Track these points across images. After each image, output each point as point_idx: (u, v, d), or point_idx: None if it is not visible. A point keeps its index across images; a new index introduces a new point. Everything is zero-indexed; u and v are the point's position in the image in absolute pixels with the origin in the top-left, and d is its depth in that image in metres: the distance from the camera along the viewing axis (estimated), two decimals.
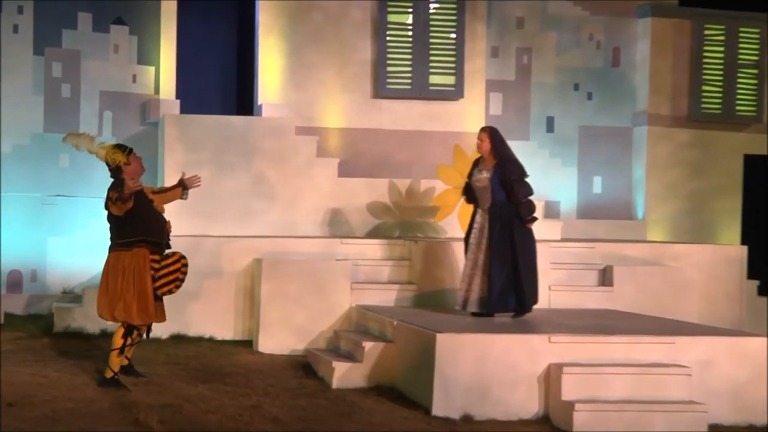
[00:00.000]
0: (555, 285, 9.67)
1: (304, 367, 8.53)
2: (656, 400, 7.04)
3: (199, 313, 9.48)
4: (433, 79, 11.60)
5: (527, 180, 8.39)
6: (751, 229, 12.72)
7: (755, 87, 12.69)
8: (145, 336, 7.74)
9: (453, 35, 11.64)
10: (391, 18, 11.53)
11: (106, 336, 9.08)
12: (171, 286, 7.54)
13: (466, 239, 8.49)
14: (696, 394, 7.19)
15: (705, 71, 12.58)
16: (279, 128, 10.71)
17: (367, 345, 8.00)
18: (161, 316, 7.65)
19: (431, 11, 11.60)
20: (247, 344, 9.35)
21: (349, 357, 8.26)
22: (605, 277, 9.87)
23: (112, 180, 7.49)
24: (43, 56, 10.86)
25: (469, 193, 10.03)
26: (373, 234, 10.65)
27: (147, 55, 11.15)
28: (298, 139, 10.80)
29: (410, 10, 11.56)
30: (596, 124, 12.55)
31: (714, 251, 10.39)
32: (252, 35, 11.50)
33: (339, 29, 11.45)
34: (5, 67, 10.73)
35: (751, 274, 10.81)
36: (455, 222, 10.20)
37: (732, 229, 12.69)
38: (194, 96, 11.31)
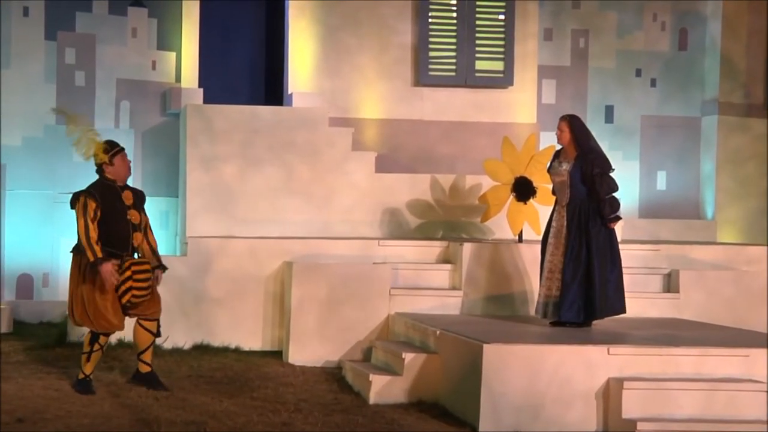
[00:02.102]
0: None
1: (339, 381, 8.57)
2: (728, 419, 7.00)
3: (224, 322, 9.55)
4: (480, 64, 11.60)
5: (612, 174, 8.38)
6: None
7: None
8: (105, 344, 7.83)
9: (501, 16, 11.63)
10: None
11: (124, 346, 9.18)
12: (128, 296, 7.63)
13: (544, 239, 8.50)
14: None
15: None
16: (311, 119, 10.76)
17: (408, 356, 8.02)
18: (152, 310, 7.76)
19: None
20: (277, 355, 9.41)
21: (388, 370, 8.29)
22: (671, 283, 9.82)
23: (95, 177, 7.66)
24: (55, 41, 11.00)
25: (520, 189, 10.04)
26: (413, 235, 10.68)
27: (167, 40, 11.26)
28: (332, 131, 10.84)
29: None
30: (661, 113, 12.48)
31: None
32: (282, 18, 11.57)
33: (377, 10, 11.48)
34: (15, 53, 10.89)
35: None
36: (503, 222, 10.19)
37: None
38: (219, 84, 11.41)
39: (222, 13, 11.56)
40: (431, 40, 11.52)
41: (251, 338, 9.55)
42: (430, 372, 7.94)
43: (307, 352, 9.16)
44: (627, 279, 9.74)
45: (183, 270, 9.58)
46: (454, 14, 11.58)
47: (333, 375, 8.73)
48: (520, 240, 10.03)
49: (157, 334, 7.96)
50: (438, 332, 8.08)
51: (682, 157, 12.56)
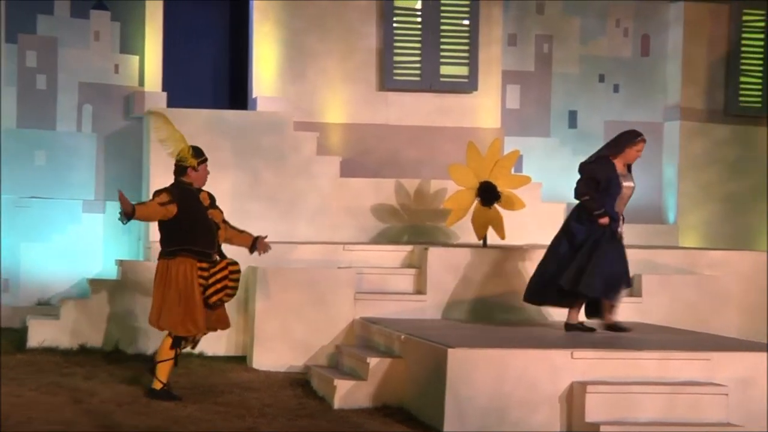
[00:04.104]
0: None
1: (304, 386, 8.57)
2: (690, 422, 7.07)
3: None
4: (445, 69, 11.64)
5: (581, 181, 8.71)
6: None
7: None
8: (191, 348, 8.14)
9: (466, 21, 11.68)
10: (399, 2, 11.57)
11: (86, 351, 9.13)
12: (221, 295, 7.85)
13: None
14: (733, 416, 7.22)
15: (743, 61, 12.60)
16: (276, 123, 10.75)
17: (373, 361, 8.04)
18: (223, 323, 8.02)
19: None
20: (241, 360, 9.39)
21: (353, 374, 8.31)
22: (634, 287, 9.90)
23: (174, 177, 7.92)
24: (16, 44, 10.91)
25: (485, 194, 10.09)
26: (379, 239, 10.70)
27: (130, 44, 11.21)
28: (297, 135, 10.84)
29: None
30: (623, 119, 12.57)
31: (754, 259, 10.41)
32: (246, 21, 11.55)
33: (342, 14, 11.49)
34: None
35: None
36: (468, 226, 10.24)
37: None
38: (183, 88, 11.35)
39: (186, 17, 11.52)
40: (396, 44, 11.56)
41: (215, 343, 9.52)
42: (394, 376, 7.97)
43: (271, 357, 9.15)
44: None
45: (147, 275, 9.54)
46: (419, 19, 11.62)
47: (298, 380, 8.73)
48: (485, 244, 10.08)
49: (193, 347, 8.21)
50: (403, 337, 8.11)
51: (645, 163, 12.61)
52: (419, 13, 11.62)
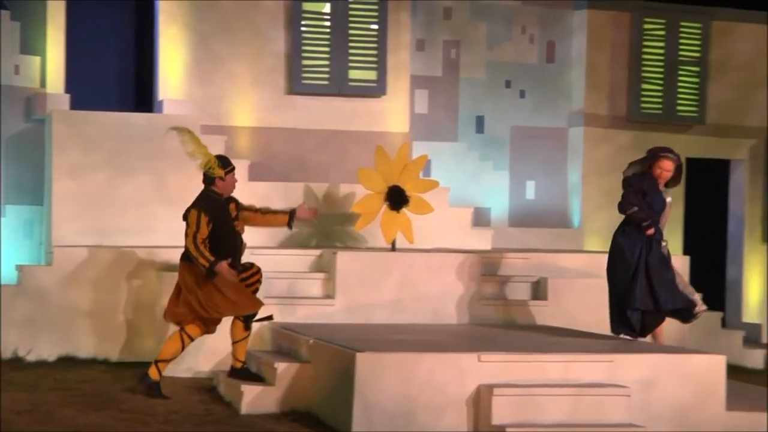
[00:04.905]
0: (485, 299, 9.78)
1: (211, 392, 8.48)
2: (593, 423, 7.17)
3: (92, 333, 9.36)
4: (353, 74, 11.65)
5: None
6: (694, 237, 13.03)
7: (697, 86, 13.02)
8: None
9: (374, 26, 11.70)
10: (307, 6, 11.54)
11: None
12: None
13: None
14: (636, 416, 7.34)
15: (645, 68, 12.86)
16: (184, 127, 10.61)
17: (280, 366, 8.00)
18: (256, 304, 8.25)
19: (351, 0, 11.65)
20: (147, 366, 9.25)
21: (260, 380, 8.24)
22: (539, 290, 10.02)
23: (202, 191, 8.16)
24: None
25: (393, 198, 10.11)
26: (287, 244, 10.64)
27: (32, 44, 10.96)
28: (205, 139, 10.66)
29: None
30: (530, 124, 12.73)
31: None
32: (152, 23, 11.40)
33: (250, 18, 11.42)
34: None
35: (695, 286, 11.05)
36: (377, 230, 10.25)
37: (674, 237, 12.97)
38: (87, 90, 11.15)
39: (89, 17, 11.32)
40: (304, 48, 11.52)
41: (121, 349, 9.37)
42: (302, 381, 7.93)
43: (178, 362, 9.03)
44: (497, 286, 9.95)
45: (48, 280, 9.36)
46: (328, 23, 11.60)
47: (205, 386, 8.64)
48: (394, 248, 10.10)
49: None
50: (311, 341, 8.08)
51: (550, 167, 12.84)
52: (328, 17, 11.60)
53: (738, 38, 13.27)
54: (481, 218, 12.25)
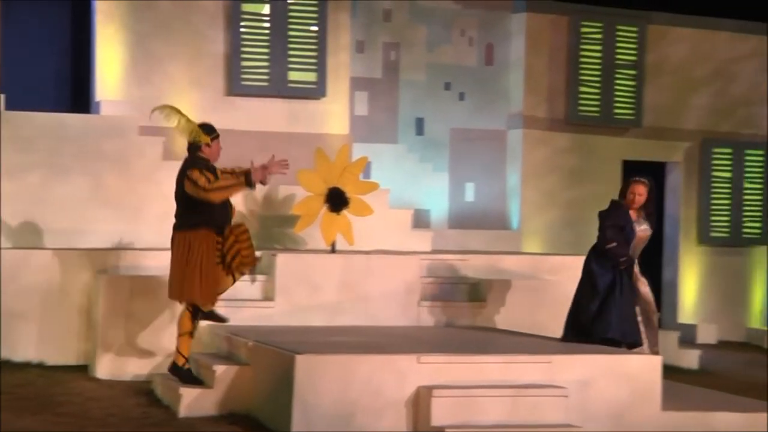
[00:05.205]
0: (425, 300, 9.81)
1: (148, 395, 8.41)
2: (531, 423, 7.22)
3: (27, 336, 9.22)
4: (293, 75, 11.62)
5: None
6: None
7: (633, 89, 13.19)
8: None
9: (314, 27, 11.68)
10: (246, 7, 11.49)
11: None
12: (238, 258, 8.06)
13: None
14: (573, 417, 7.41)
15: (582, 71, 13.00)
16: (120, 128, 10.53)
17: (219, 369, 7.95)
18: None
19: (290, 0, 11.62)
20: (83, 370, 9.15)
21: (200, 383, 8.19)
22: (478, 292, 10.07)
23: (188, 157, 8.10)
24: None
25: (333, 200, 10.10)
26: None
27: None
28: (143, 140, 10.64)
29: None
30: (469, 126, 12.80)
31: None
32: (88, 23, 11.27)
33: (188, 18, 11.34)
34: None
35: None
36: (317, 232, 10.23)
37: None
38: (22, 90, 10.98)
39: (24, 16, 11.15)
40: (244, 49, 11.47)
41: (57, 353, 9.25)
42: (242, 384, 7.89)
43: (115, 366, 8.95)
44: (437, 288, 9.99)
45: None
46: (267, 24, 11.56)
47: (142, 389, 8.56)
48: (333, 250, 10.09)
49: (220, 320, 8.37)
50: (250, 344, 8.05)
51: (490, 170, 12.92)
52: (267, 18, 11.56)
53: (673, 42, 13.48)
54: (420, 220, 12.28)
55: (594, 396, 7.57)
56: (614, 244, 8.56)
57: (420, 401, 7.25)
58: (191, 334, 8.10)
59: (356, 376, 7.22)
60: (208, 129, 8.25)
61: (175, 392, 7.93)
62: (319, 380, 7.16)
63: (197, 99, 11.37)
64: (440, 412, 7.14)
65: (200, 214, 8.00)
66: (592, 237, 12.94)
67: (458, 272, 10.28)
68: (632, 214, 8.66)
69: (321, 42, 11.68)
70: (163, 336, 9.03)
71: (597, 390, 7.59)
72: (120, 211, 10.37)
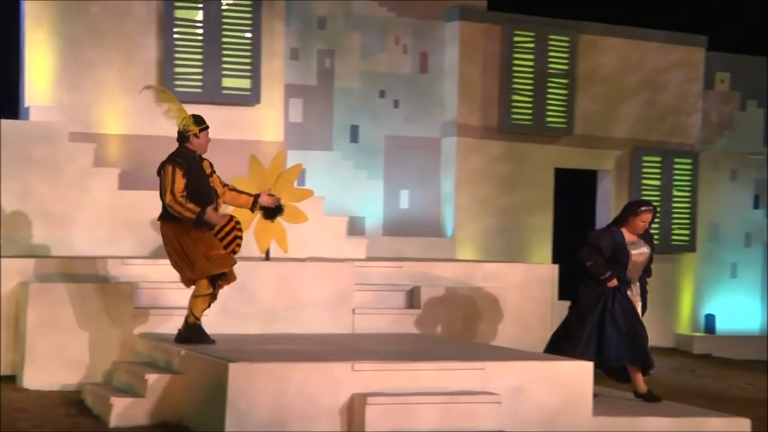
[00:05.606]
0: (359, 308, 9.79)
1: (78, 405, 8.28)
2: (464, 430, 7.24)
3: None
4: (227, 81, 11.54)
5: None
6: (562, 246, 13.31)
7: (565, 98, 13.33)
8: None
9: (248, 34, 11.62)
10: (179, 13, 11.40)
11: None
12: (233, 246, 8.24)
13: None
14: (506, 423, 7.44)
15: (515, 80, 13.10)
16: (50, 134, 10.37)
17: (151, 378, 7.85)
18: (232, 277, 8.35)
19: (224, 7, 11.55)
20: (10, 380, 8.97)
21: (130, 392, 8.09)
22: (413, 299, 10.08)
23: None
24: None
25: (267, 208, 10.03)
26: (158, 254, 10.45)
27: None
28: (73, 147, 10.49)
29: (200, 5, 11.46)
30: (404, 134, 12.82)
31: (526, 270, 10.80)
32: (17, 27, 11.09)
33: (121, 23, 11.21)
34: None
35: (562, 294, 11.29)
36: (251, 239, 10.15)
37: (543, 246, 13.24)
38: None
39: None
40: (176, 55, 11.36)
41: None
42: (174, 393, 7.81)
43: (44, 375, 8.79)
44: (371, 296, 9.98)
45: None
46: (201, 30, 11.47)
47: (72, 399, 8.43)
48: (268, 258, 10.03)
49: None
50: (183, 352, 7.96)
51: (424, 177, 12.95)
52: (200, 24, 11.47)
53: (604, 52, 13.64)
54: (355, 227, 12.27)
55: (527, 402, 7.61)
56: (590, 262, 8.61)
57: (354, 408, 7.23)
58: (212, 296, 8.23)
59: (290, 383, 7.18)
60: (198, 120, 8.32)
61: (106, 402, 7.82)
62: (252, 388, 7.11)
63: (130, 105, 11.24)
64: (374, 419, 7.12)
65: None
66: (525, 244, 13.15)
67: (393, 279, 10.27)
68: (629, 237, 8.67)
69: (255, 49, 11.63)
70: (94, 345, 8.89)
71: (530, 396, 7.63)
72: (49, 218, 10.22)
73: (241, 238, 8.31)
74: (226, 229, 8.22)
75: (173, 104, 8.29)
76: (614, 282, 8.57)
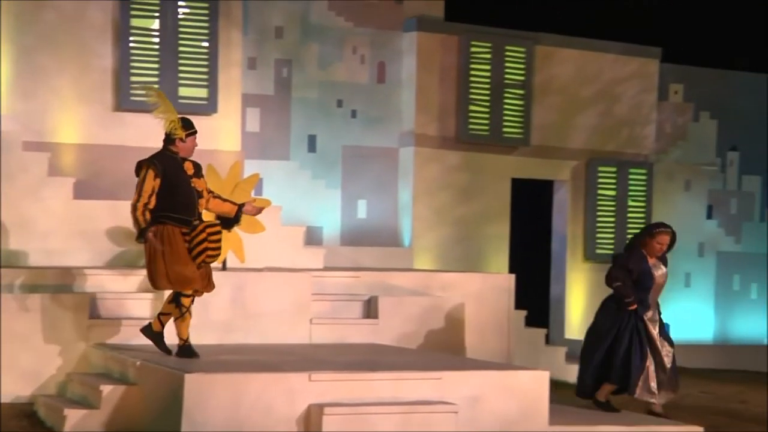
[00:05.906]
0: (317, 318, 9.76)
1: (30, 417, 8.20)
2: None
3: None
4: (183, 91, 11.47)
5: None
6: (519, 256, 13.37)
7: (522, 108, 13.39)
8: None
9: (205, 44, 11.56)
10: (135, 22, 11.31)
11: None
12: (203, 257, 8.09)
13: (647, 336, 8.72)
14: None
15: (472, 90, 13.14)
16: (3, 143, 10.25)
17: (106, 389, 7.78)
18: (210, 286, 8.25)
19: (180, 16, 11.48)
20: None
21: (85, 403, 8.02)
22: (370, 309, 10.07)
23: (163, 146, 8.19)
24: None
25: (224, 217, 9.97)
26: (115, 263, 10.37)
27: None
28: (27, 156, 10.38)
29: (157, 14, 11.39)
30: (361, 144, 12.82)
31: (482, 280, 10.83)
32: None
33: (76, 32, 11.11)
34: None
35: (519, 304, 11.34)
36: None
37: (500, 256, 13.28)
38: None
39: None
40: (133, 64, 11.28)
41: None
42: (129, 404, 7.74)
43: None
44: (329, 306, 9.95)
45: None
46: (157, 39, 11.40)
47: (24, 411, 8.33)
48: (224, 267, 9.97)
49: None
50: (138, 363, 7.89)
51: (382, 187, 12.95)
52: (157, 33, 11.40)
53: (560, 63, 13.73)
54: (313, 237, 12.24)
55: (483, 411, 7.62)
56: (619, 283, 8.70)
57: (311, 419, 7.20)
58: (181, 316, 8.17)
59: (246, 394, 7.13)
60: (186, 124, 8.32)
61: (60, 413, 7.73)
62: (208, 399, 7.05)
63: (85, 114, 11.15)
64: (331, 429, 7.09)
65: (162, 208, 8.04)
66: (482, 253, 13.18)
67: (350, 289, 10.25)
68: (650, 260, 8.77)
69: (212, 58, 11.57)
70: (47, 356, 8.79)
71: (486, 405, 7.63)
72: (3, 228, 10.09)
73: (213, 249, 8.13)
74: (198, 239, 8.13)
75: (165, 106, 8.28)
76: (634, 306, 8.71)
